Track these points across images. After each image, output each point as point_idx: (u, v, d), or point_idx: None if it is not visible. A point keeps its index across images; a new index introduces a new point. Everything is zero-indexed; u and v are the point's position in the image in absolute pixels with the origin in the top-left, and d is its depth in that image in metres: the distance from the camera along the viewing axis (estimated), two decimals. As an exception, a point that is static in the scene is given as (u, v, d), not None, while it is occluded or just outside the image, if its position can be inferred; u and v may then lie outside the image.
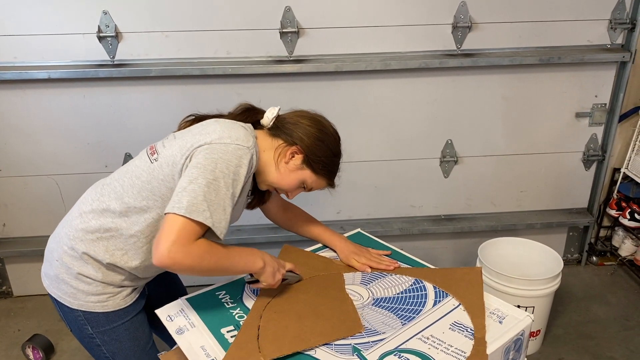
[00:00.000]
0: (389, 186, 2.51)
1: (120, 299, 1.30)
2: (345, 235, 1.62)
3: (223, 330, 1.18)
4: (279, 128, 1.32)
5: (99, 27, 2.10)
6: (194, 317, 1.22)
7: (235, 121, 1.27)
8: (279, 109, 1.34)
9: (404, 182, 2.51)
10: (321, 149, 1.30)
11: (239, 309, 1.26)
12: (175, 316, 1.23)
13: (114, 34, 2.11)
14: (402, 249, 1.54)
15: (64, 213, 2.39)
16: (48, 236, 2.43)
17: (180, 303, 1.27)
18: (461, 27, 2.21)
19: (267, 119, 1.33)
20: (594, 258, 2.75)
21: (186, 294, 1.36)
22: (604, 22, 2.28)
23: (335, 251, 1.53)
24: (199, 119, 1.33)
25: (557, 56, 2.25)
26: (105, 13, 2.08)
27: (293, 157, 1.30)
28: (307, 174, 1.32)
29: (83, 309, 1.28)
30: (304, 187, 1.35)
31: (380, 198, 2.53)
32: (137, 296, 1.36)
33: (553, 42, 2.29)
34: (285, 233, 2.45)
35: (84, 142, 2.30)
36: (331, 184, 1.39)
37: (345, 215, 2.55)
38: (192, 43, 2.16)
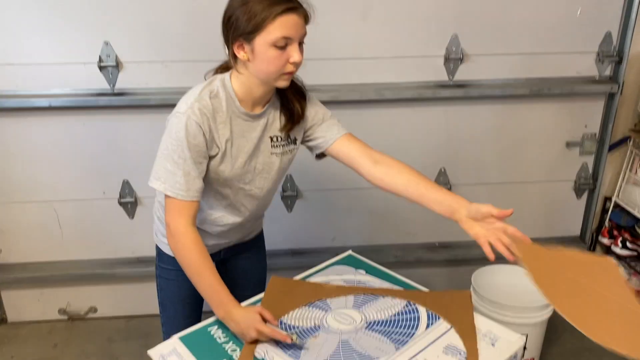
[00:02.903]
0: (383, 213, 2.54)
1: None
2: (336, 258, 1.63)
3: (216, 366, 1.18)
4: None
5: (100, 57, 2.15)
6: (187, 355, 1.22)
7: (211, 78, 1.32)
8: None
9: (398, 209, 2.54)
10: (242, 16, 1.18)
11: (231, 342, 1.25)
12: (168, 355, 1.22)
13: (114, 64, 2.16)
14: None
15: (61, 239, 2.44)
16: (44, 262, 2.49)
17: (172, 343, 1.26)
18: (453, 59, 2.27)
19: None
20: (588, 286, 2.76)
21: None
22: (592, 54, 2.34)
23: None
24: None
25: (547, 87, 2.31)
26: (106, 43, 2.14)
27: (241, 50, 1.23)
28: (262, 40, 1.18)
29: (157, 244, 1.54)
30: (282, 46, 1.19)
31: (375, 225, 2.56)
32: None
33: (543, 73, 2.35)
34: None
35: (83, 168, 2.33)
36: (286, 10, 1.17)
37: (340, 242, 2.57)
38: (191, 73, 2.19)
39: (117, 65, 2.17)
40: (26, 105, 2.18)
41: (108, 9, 2.10)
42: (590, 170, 2.54)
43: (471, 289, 2.17)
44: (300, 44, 1.24)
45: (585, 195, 2.60)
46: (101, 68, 2.17)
